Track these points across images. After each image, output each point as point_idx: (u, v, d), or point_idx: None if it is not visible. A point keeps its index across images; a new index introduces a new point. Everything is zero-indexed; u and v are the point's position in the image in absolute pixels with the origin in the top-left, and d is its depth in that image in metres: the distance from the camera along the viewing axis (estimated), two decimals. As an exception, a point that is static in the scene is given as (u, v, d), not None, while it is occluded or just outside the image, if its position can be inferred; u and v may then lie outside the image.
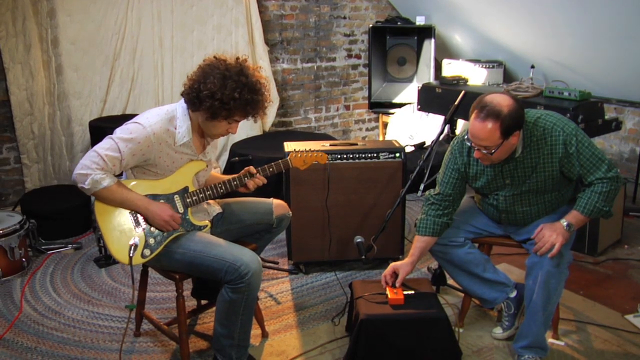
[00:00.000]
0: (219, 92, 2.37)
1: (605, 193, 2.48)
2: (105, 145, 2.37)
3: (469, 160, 2.67)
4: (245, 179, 2.65)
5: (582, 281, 3.48)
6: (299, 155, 2.78)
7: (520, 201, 2.65)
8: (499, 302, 2.85)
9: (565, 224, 2.50)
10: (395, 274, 2.73)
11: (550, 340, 2.84)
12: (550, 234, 2.49)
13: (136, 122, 2.43)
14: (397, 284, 2.70)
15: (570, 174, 2.52)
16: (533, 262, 2.55)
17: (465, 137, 2.55)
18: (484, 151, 2.44)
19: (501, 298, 2.83)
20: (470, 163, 2.67)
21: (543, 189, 2.58)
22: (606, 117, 3.70)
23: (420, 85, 4.81)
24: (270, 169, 2.70)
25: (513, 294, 2.82)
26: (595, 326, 3.01)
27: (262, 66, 5.10)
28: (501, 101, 2.38)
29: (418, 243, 2.75)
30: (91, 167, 2.34)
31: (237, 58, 2.49)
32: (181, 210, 2.55)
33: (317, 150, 2.83)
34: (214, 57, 2.49)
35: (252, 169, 2.68)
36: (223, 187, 2.61)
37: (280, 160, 2.73)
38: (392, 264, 2.76)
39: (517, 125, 2.39)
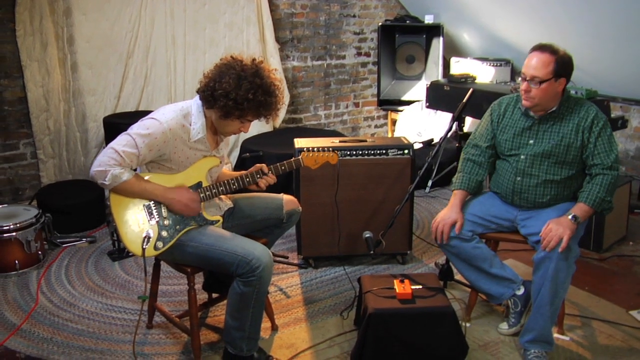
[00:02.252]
0: (233, 92, 2.39)
1: (606, 185, 2.61)
2: (122, 142, 2.38)
3: (504, 112, 2.87)
4: (257, 176, 2.66)
5: (587, 277, 3.47)
6: (311, 155, 2.79)
7: (539, 164, 2.74)
8: (505, 298, 2.87)
9: (570, 216, 2.58)
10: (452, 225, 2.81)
11: (555, 335, 2.83)
12: (557, 228, 2.54)
13: (152, 118, 2.44)
14: (457, 231, 2.78)
15: (584, 151, 2.67)
16: (541, 257, 2.58)
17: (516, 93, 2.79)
18: (532, 84, 2.61)
19: (507, 294, 2.85)
20: (504, 115, 2.87)
21: (562, 159, 2.70)
22: (612, 115, 3.68)
23: (429, 83, 4.79)
24: (282, 168, 2.70)
25: (520, 292, 2.84)
26: (600, 322, 3.01)
27: (273, 63, 5.19)
28: (560, 47, 2.65)
29: (456, 197, 2.90)
30: (109, 163, 2.35)
31: (254, 59, 2.50)
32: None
33: (329, 150, 2.84)
34: (231, 56, 2.50)
35: (264, 167, 2.68)
36: (235, 183, 2.62)
37: (292, 159, 2.75)
38: (445, 220, 2.81)
39: (567, 71, 2.63)
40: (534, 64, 2.61)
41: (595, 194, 2.60)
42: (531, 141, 2.76)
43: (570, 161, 2.70)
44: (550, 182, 2.73)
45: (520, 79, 2.71)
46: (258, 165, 2.71)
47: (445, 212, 2.86)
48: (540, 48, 2.65)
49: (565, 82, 2.65)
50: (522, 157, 2.77)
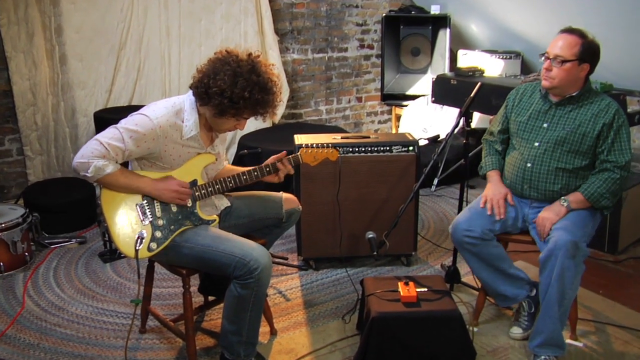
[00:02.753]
0: (228, 90, 2.36)
1: (611, 182, 2.64)
2: (108, 135, 2.36)
3: (521, 97, 2.94)
4: (255, 174, 2.64)
5: (601, 280, 3.44)
6: (310, 151, 2.79)
7: (552, 151, 2.75)
8: (520, 300, 2.87)
9: (562, 200, 2.69)
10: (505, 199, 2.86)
11: (568, 340, 2.81)
12: (548, 214, 2.67)
13: (142, 114, 2.41)
14: (511, 202, 2.84)
15: (598, 143, 2.68)
16: (546, 256, 2.57)
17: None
18: (554, 63, 2.64)
19: (522, 295, 2.86)
20: (521, 100, 2.93)
21: (576, 147, 2.70)
22: (629, 109, 3.72)
23: (435, 77, 4.82)
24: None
25: (533, 293, 2.86)
26: (615, 327, 2.97)
27: (272, 56, 5.13)
28: (589, 33, 2.67)
29: (493, 176, 2.98)
30: (92, 154, 2.32)
31: (250, 54, 2.47)
32: (190, 204, 2.53)
33: (329, 147, 2.82)
34: (226, 51, 2.48)
35: (284, 155, 2.68)
36: (232, 182, 2.60)
37: (290, 156, 2.73)
38: (496, 195, 2.84)
39: (592, 58, 2.65)
40: (560, 44, 2.65)
41: (595, 187, 2.65)
42: (545, 125, 2.78)
43: (585, 151, 2.71)
44: (561, 170, 2.74)
45: (542, 58, 2.72)
46: (274, 156, 2.69)
47: (491, 188, 2.90)
48: (570, 30, 2.67)
49: (589, 69, 2.67)
50: (535, 144, 2.80)
